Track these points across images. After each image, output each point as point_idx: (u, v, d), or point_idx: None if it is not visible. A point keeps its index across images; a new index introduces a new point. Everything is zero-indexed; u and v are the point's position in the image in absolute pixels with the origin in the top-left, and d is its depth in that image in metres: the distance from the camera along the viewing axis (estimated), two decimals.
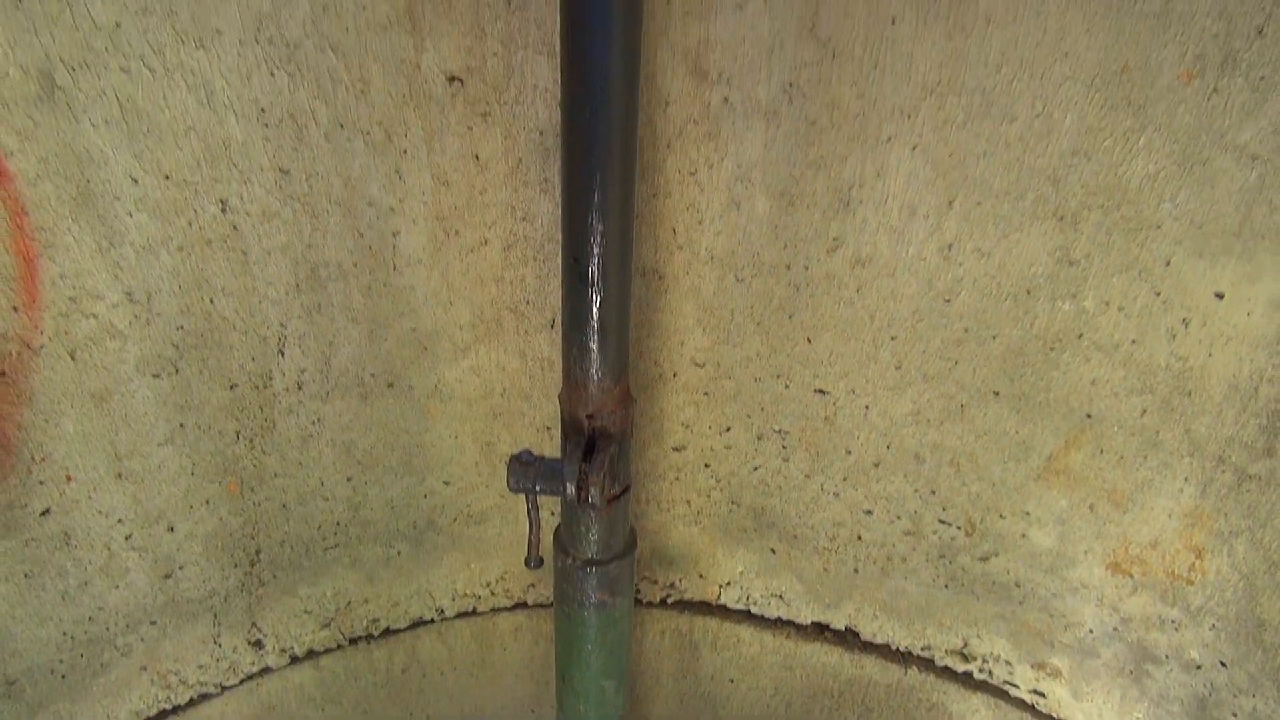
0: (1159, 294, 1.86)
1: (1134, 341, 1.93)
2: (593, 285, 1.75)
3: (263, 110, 1.86)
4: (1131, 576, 2.18)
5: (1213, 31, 1.60)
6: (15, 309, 1.81)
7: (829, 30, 1.83)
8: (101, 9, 1.66)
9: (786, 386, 2.33)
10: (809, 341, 2.24)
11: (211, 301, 2.02)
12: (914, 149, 1.92)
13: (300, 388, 2.22)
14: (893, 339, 2.16)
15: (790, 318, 2.22)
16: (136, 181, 1.82)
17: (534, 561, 1.99)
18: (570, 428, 1.89)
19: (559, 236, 2.09)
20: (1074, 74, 1.73)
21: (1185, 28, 1.61)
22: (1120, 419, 2.02)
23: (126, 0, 1.67)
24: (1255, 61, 1.59)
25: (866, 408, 2.29)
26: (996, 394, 2.13)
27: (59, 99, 1.70)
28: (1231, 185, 1.70)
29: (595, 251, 1.74)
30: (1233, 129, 1.65)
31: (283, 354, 2.15)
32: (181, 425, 2.12)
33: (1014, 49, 1.75)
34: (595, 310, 1.77)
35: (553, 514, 2.62)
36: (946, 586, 2.47)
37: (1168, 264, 1.83)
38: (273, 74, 1.82)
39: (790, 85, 1.91)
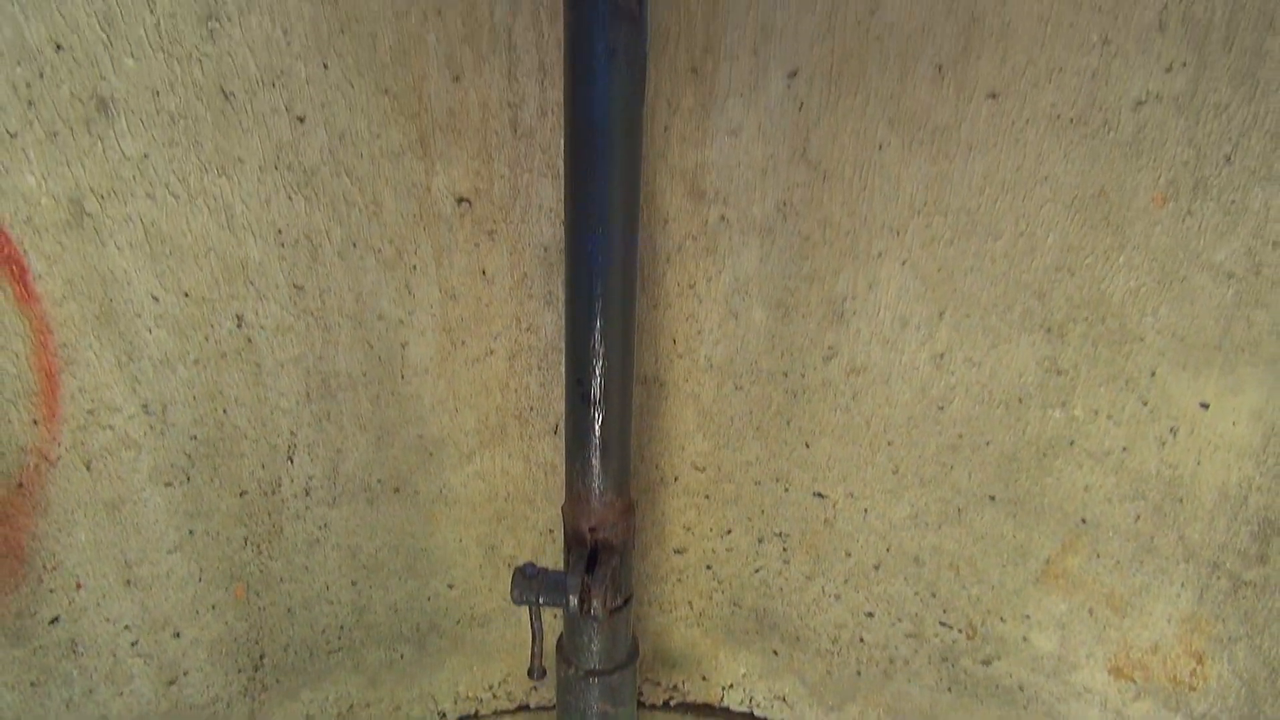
0: (1146, 403, 1.91)
1: (1124, 449, 1.97)
2: (595, 404, 1.81)
3: (280, 231, 1.95)
4: (1134, 681, 2.17)
5: (1183, 159, 1.68)
6: (35, 422, 1.87)
7: (819, 154, 1.93)
8: (131, 142, 1.76)
9: (786, 490, 2.37)
10: (807, 446, 2.29)
11: (225, 412, 2.08)
12: (904, 264, 1.99)
13: (308, 494, 2.26)
14: (889, 444, 2.21)
15: (789, 423, 2.27)
16: (157, 299, 1.90)
17: (536, 673, 2.00)
18: (573, 539, 1.92)
19: (562, 346, 2.16)
20: (1054, 196, 1.82)
21: (1156, 155, 1.70)
22: (1115, 524, 2.05)
23: (155, 133, 1.77)
24: (1225, 186, 1.67)
25: (865, 511, 2.32)
26: (992, 498, 2.17)
27: (87, 224, 1.79)
28: (1210, 301, 1.76)
29: (597, 373, 1.81)
30: (1208, 249, 1.73)
31: (292, 461, 2.20)
32: (191, 532, 2.15)
33: (995, 172, 1.84)
34: (598, 428, 1.82)
35: (555, 617, 2.63)
36: (950, 690, 2.46)
37: (1153, 375, 1.88)
38: (290, 198, 1.92)
39: (784, 204, 2.00)
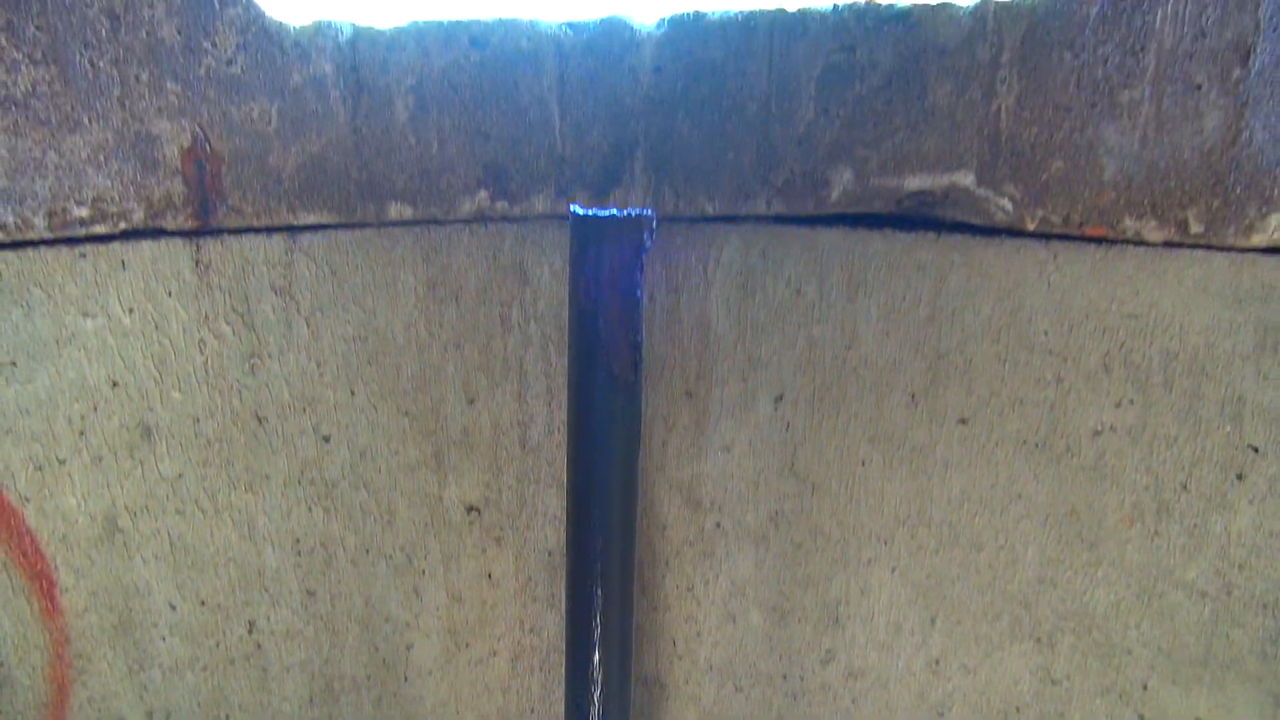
0: (1142, 717, 1.92)
1: None
2: (594, 708, 1.84)
3: (297, 540, 2.05)
4: None
5: (1144, 484, 1.81)
6: None
7: (807, 468, 2.06)
8: (169, 464, 1.91)
9: None
10: None
11: (227, 717, 2.09)
12: (893, 570, 2.08)
13: None
14: None
15: None
16: (174, 608, 1.98)
17: None
18: None
19: (564, 647, 2.20)
20: (1029, 513, 1.93)
21: (1119, 480, 1.83)
22: None
23: (191, 454, 1.92)
24: (1186, 511, 1.78)
25: None
26: None
27: (117, 539, 1.90)
28: (1189, 618, 1.82)
29: (597, 677, 1.85)
30: (1179, 568, 1.81)
31: None
32: None
33: (973, 489, 1.96)
34: None
35: None
36: None
37: (1145, 688, 1.91)
38: (310, 509, 2.04)
39: (776, 513, 2.11)
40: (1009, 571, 1.98)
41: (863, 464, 2.02)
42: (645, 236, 1.50)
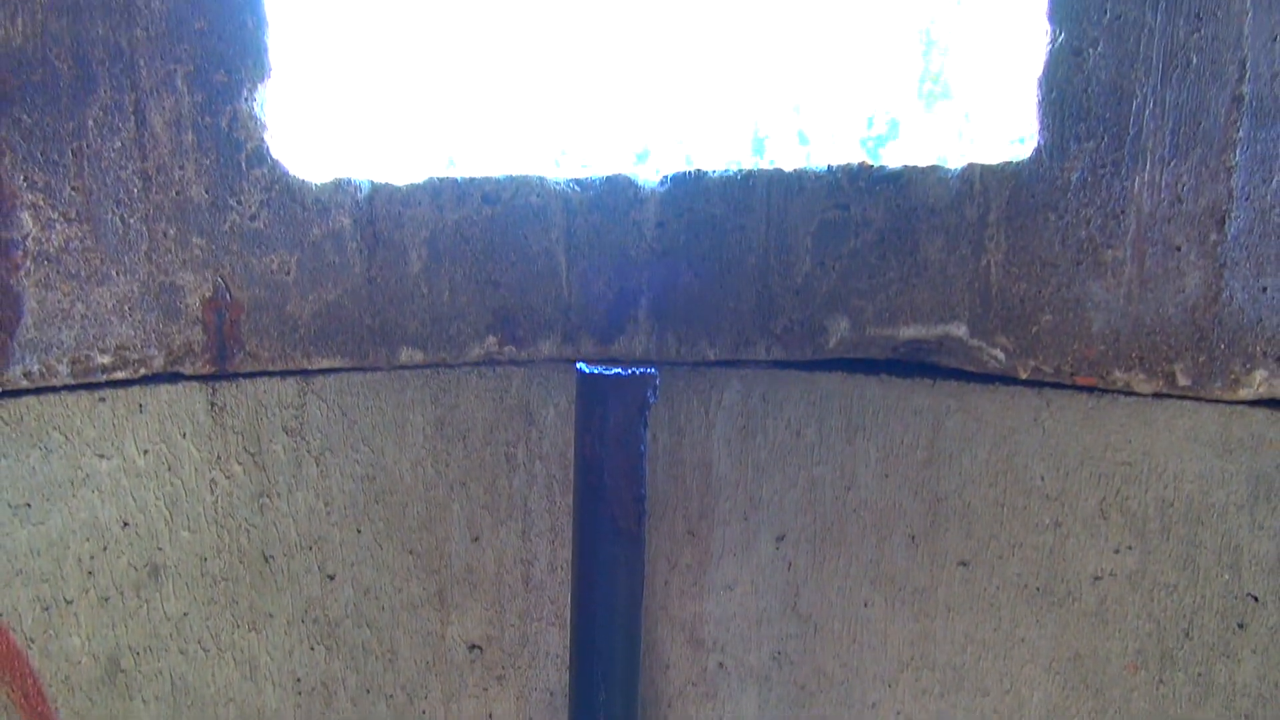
0: None
1: None
2: None
3: (298, 679, 2.05)
4: None
5: (1146, 630, 1.81)
6: None
7: (809, 608, 2.06)
8: (174, 603, 1.92)
9: None
10: None
11: None
12: (898, 715, 2.05)
13: None
14: None
15: None
16: None
17: None
18: None
19: None
20: (1032, 657, 1.92)
21: (1121, 626, 1.83)
22: None
23: (197, 593, 1.94)
24: (1189, 659, 1.77)
25: None
26: None
27: (119, 680, 1.90)
28: None
29: None
30: (1186, 717, 1.79)
31: None
32: None
33: (976, 632, 1.96)
34: None
35: None
36: None
37: None
38: (312, 648, 2.04)
39: (779, 653, 2.10)
40: (1015, 717, 1.96)
41: (865, 605, 2.03)
42: (649, 394, 1.55)
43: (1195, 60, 1.57)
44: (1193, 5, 1.56)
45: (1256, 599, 1.71)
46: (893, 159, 1.83)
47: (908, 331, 1.86)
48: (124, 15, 1.67)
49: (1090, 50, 1.64)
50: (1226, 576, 1.73)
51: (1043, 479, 1.84)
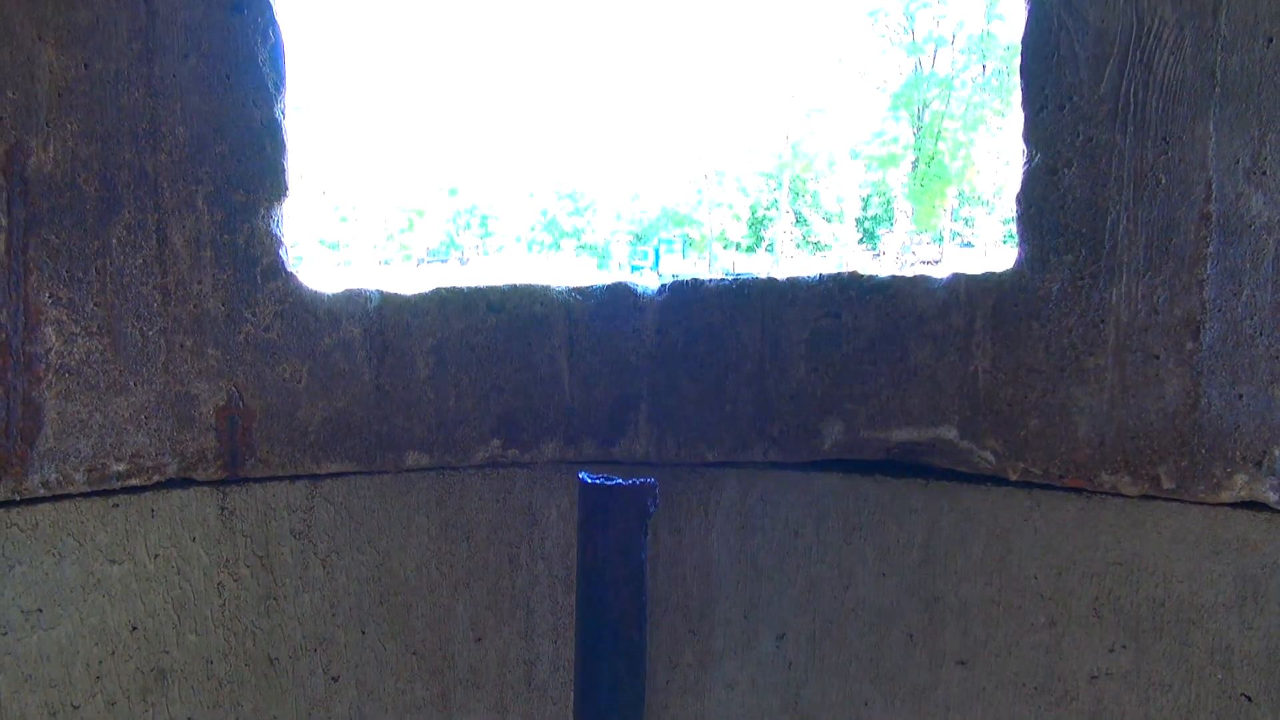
0: None
1: None
2: None
3: None
4: None
5: None
6: None
7: (809, 707, 2.07)
8: (180, 707, 1.93)
9: None
10: None
11: None
12: None
13: None
14: None
15: None
16: None
17: None
18: None
19: None
20: None
21: None
22: None
23: (202, 697, 1.95)
24: None
25: None
26: None
27: None
28: None
29: None
30: None
31: None
32: None
33: None
34: None
35: None
36: None
37: None
38: None
39: None
40: None
41: (865, 704, 2.04)
42: (649, 503, 1.60)
43: (1164, 180, 1.66)
44: (1159, 130, 1.66)
45: (1250, 698, 1.73)
46: (883, 266, 1.91)
47: (900, 434, 1.92)
48: (149, 141, 1.76)
49: (1065, 170, 1.74)
50: (1220, 675, 1.75)
51: (1036, 577, 1.88)
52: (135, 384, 1.81)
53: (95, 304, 1.76)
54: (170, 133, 1.78)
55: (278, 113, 1.86)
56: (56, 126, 1.70)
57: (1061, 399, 1.78)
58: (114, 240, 1.77)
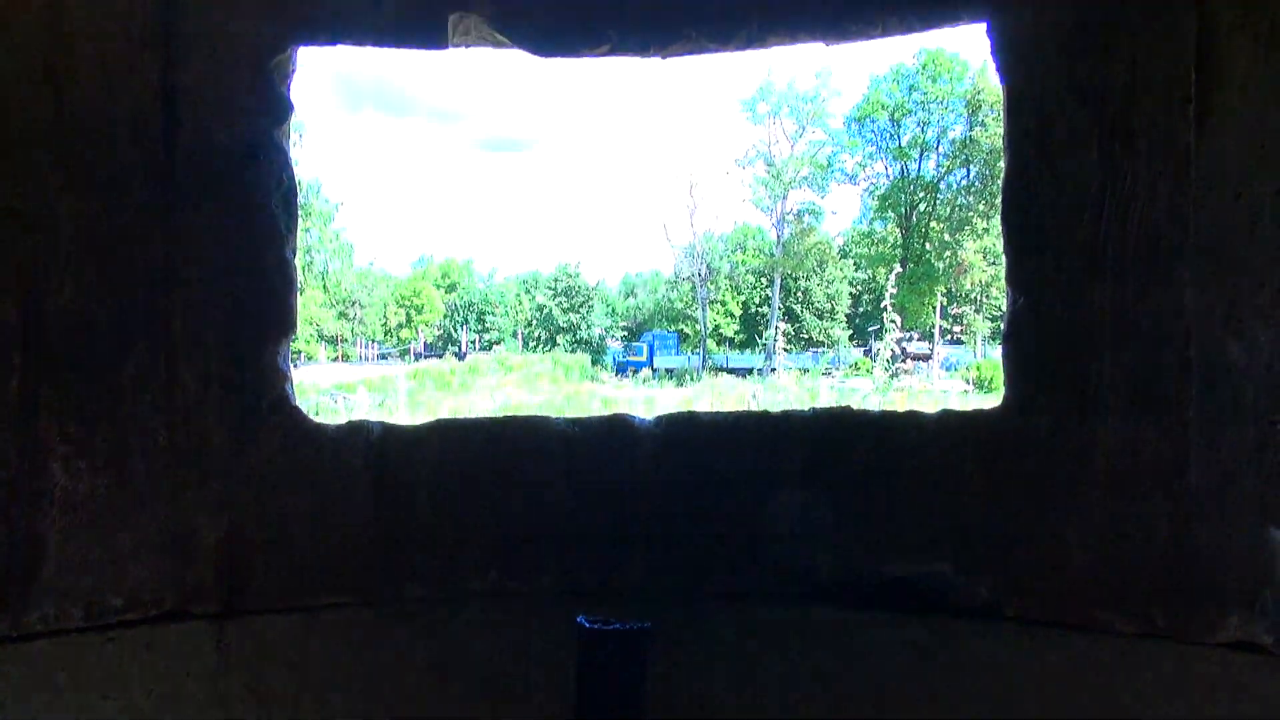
0: None
1: None
2: None
3: None
4: None
5: None
6: None
7: None
8: None
9: None
10: None
11: None
12: None
13: None
14: None
15: None
16: None
17: None
18: None
19: None
20: None
21: None
22: None
23: None
24: None
25: None
26: None
27: None
28: None
29: None
30: None
31: None
32: None
33: None
34: None
35: None
36: None
37: None
38: None
39: None
40: None
41: None
42: (645, 646, 1.61)
43: (1145, 325, 1.73)
44: (1139, 277, 1.73)
45: None
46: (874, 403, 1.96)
47: (894, 568, 1.93)
48: (164, 283, 1.82)
49: (1048, 313, 1.80)
50: None
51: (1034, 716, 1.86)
52: (138, 518, 1.82)
53: (103, 439, 1.79)
54: (184, 273, 1.84)
55: (288, 252, 1.92)
56: (74, 270, 1.76)
57: (1054, 535, 1.81)
58: (125, 377, 1.81)
